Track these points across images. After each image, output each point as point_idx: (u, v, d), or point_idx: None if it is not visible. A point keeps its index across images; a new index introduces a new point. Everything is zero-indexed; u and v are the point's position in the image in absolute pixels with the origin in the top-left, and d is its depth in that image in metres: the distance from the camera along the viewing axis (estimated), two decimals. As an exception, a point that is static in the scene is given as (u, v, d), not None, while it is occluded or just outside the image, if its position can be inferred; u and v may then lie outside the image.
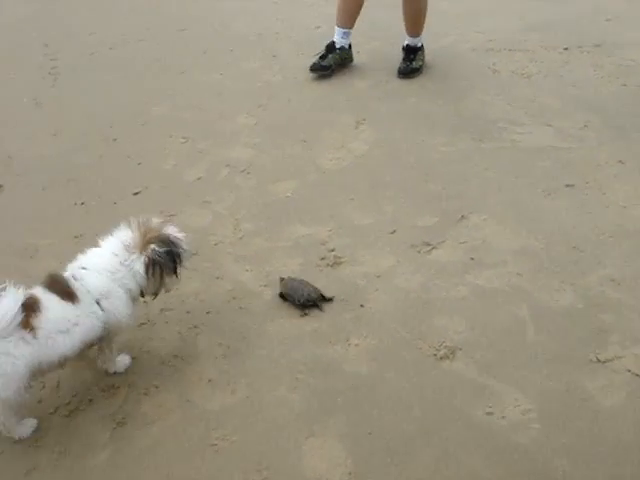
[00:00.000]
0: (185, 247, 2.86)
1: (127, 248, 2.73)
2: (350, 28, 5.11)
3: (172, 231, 2.82)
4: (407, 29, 5.06)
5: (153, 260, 2.73)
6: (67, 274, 2.68)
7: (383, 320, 3.07)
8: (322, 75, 5.18)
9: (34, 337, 2.44)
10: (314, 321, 3.10)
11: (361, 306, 3.14)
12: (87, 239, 3.56)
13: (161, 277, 2.80)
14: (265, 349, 2.97)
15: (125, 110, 5.01)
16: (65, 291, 2.59)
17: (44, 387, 2.89)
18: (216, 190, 3.99)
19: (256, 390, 2.80)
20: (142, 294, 2.83)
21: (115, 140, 4.65)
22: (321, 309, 3.17)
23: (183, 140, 4.54)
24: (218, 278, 3.37)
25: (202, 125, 4.69)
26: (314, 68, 5.15)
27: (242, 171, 4.14)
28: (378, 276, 3.29)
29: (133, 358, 2.98)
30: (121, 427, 2.70)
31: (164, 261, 2.75)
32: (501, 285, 3.21)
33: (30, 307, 2.45)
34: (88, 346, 2.70)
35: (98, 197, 4.05)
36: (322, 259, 3.41)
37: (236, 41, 5.91)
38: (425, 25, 5.09)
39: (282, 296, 3.21)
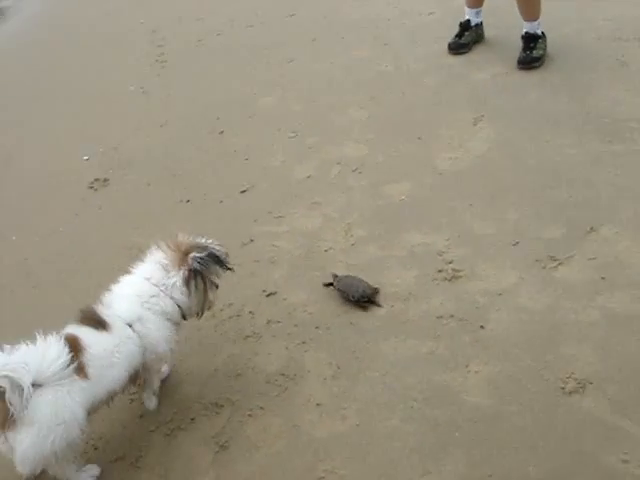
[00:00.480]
0: (224, 250, 2.73)
1: (165, 267, 2.60)
2: (480, 6, 4.90)
3: (204, 240, 2.70)
4: (521, 13, 4.75)
5: (195, 270, 2.59)
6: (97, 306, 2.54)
7: (505, 345, 2.80)
8: (459, 52, 4.99)
9: (85, 377, 2.30)
10: (430, 341, 2.87)
11: (481, 327, 2.88)
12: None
13: (204, 290, 2.65)
14: (377, 371, 2.76)
15: (232, 101, 4.88)
16: (97, 321, 2.45)
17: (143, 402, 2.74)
18: (326, 190, 3.78)
19: (367, 418, 2.60)
20: (184, 316, 2.68)
21: (222, 133, 4.50)
22: (378, 304, 3.08)
23: (292, 135, 4.35)
24: (328, 289, 3.14)
25: (311, 118, 4.49)
26: (453, 47, 4.98)
27: (354, 170, 3.91)
28: (500, 294, 3.02)
29: (238, 374, 2.81)
30: (224, 451, 2.57)
31: (208, 266, 2.63)
32: (637, 310, 2.87)
33: (74, 347, 2.31)
34: (133, 377, 2.55)
35: (204, 195, 3.92)
36: (439, 271, 3.17)
37: (346, 28, 5.66)
38: (543, 9, 4.71)
39: (329, 286, 3.17)
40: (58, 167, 4.53)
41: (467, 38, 4.99)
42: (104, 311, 2.49)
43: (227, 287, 3.11)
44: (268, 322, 3.04)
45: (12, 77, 6.04)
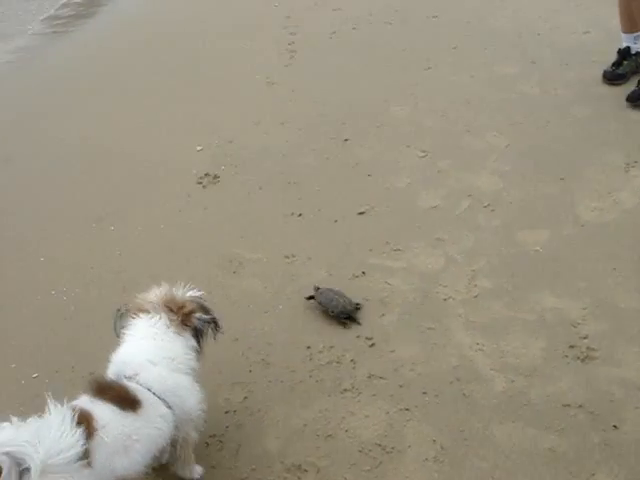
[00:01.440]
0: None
1: (168, 326, 2.26)
2: (639, 30, 4.38)
3: (199, 297, 2.41)
4: (620, 23, 4.47)
5: (198, 329, 2.33)
6: (114, 375, 2.15)
7: (642, 453, 2.35)
8: (615, 84, 4.50)
9: (89, 467, 1.88)
10: (553, 435, 2.50)
11: (614, 427, 2.47)
12: (299, 262, 3.17)
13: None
14: (487, 462, 2.40)
15: (361, 106, 4.55)
16: (121, 397, 2.04)
17: (221, 449, 2.47)
18: (453, 226, 3.41)
19: (471, 521, 2.20)
20: None
21: (346, 141, 4.17)
22: (357, 321, 2.99)
23: (422, 154, 3.98)
24: (442, 346, 2.81)
25: (444, 138, 4.10)
26: (609, 76, 4.52)
27: (485, 206, 3.51)
28: (640, 388, 2.56)
29: (328, 435, 2.48)
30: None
31: (207, 327, 2.36)
32: None
33: (85, 428, 1.89)
34: (158, 459, 2.20)
35: (318, 210, 3.60)
36: (571, 347, 2.76)
37: (490, 38, 5.21)
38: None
39: (311, 299, 3.08)
40: (170, 155, 4.33)
41: (625, 68, 4.51)
42: (129, 385, 2.09)
43: (331, 325, 2.94)
44: (370, 376, 2.70)
45: (132, 60, 5.84)
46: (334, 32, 5.67)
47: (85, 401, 1.99)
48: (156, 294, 2.32)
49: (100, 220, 3.79)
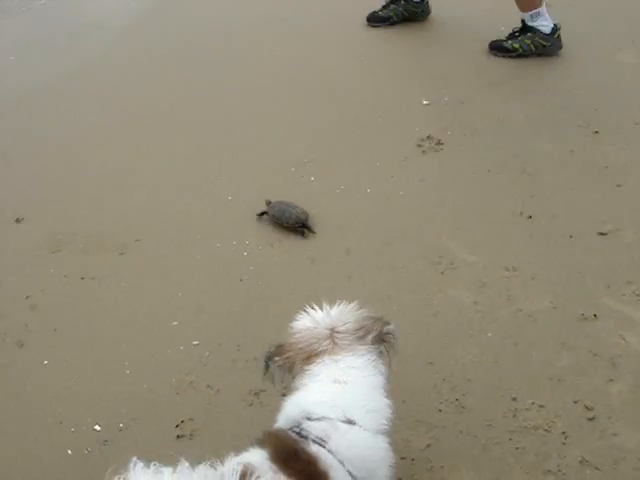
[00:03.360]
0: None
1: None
2: None
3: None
4: None
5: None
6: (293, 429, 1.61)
7: None
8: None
9: None
10: None
11: None
12: (520, 280, 2.74)
13: None
14: None
15: (619, 90, 3.80)
16: (310, 475, 1.49)
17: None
18: None
19: None
20: None
21: (596, 134, 3.49)
22: (311, 231, 3.00)
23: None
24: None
25: None
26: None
27: None
28: None
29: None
30: None
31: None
32: None
33: None
34: None
35: (551, 216, 3.11)
36: None
37: None
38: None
39: (262, 215, 3.08)
40: (393, 101, 3.91)
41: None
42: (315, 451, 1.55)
43: (540, 377, 2.40)
44: (582, 462, 2.18)
45: None
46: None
47: (264, 467, 1.49)
48: (320, 322, 1.78)
49: (298, 165, 3.44)
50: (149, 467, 1.37)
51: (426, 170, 3.35)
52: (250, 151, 3.52)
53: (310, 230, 3.03)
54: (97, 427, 2.33)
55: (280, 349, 1.78)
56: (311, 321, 1.77)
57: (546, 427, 2.29)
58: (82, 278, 2.87)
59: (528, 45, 4.12)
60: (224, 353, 2.53)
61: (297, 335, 1.75)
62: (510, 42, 4.16)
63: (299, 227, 3.00)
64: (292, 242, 2.97)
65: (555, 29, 4.08)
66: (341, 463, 1.55)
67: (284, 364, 1.75)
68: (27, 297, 2.81)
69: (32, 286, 2.85)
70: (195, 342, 2.57)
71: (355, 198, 3.19)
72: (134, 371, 2.49)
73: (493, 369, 2.45)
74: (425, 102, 3.81)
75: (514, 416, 2.31)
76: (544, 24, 4.07)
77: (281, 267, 2.86)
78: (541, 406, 2.34)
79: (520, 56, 4.13)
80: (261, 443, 1.56)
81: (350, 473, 1.56)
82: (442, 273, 2.82)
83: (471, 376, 2.42)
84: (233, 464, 1.43)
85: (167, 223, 3.11)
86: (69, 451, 2.28)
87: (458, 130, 3.58)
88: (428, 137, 3.55)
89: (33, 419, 2.36)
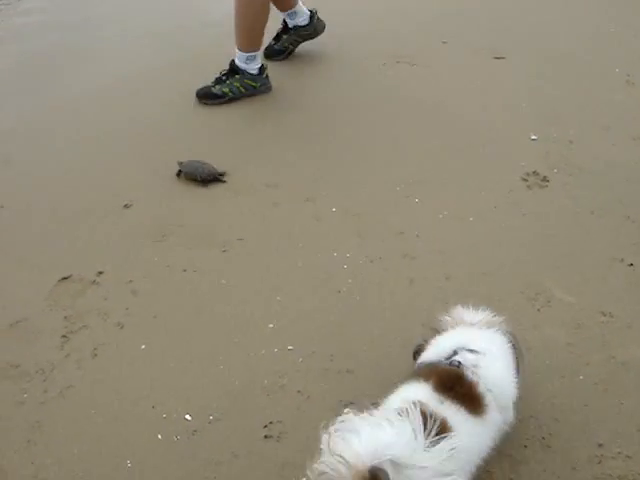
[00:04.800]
0: None
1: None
2: None
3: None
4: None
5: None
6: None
7: None
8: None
9: None
10: None
11: None
12: (616, 326, 2.74)
13: None
14: None
15: None
16: (471, 396, 1.75)
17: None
18: None
19: None
20: None
21: None
22: (222, 180, 3.44)
23: None
24: None
25: None
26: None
27: None
28: None
29: None
30: None
31: None
32: None
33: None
34: None
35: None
36: None
37: None
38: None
39: (182, 174, 3.45)
40: (501, 133, 3.89)
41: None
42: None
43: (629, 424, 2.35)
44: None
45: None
46: None
47: (432, 398, 1.72)
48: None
49: (404, 184, 3.47)
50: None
51: (530, 205, 3.32)
52: (356, 167, 3.54)
53: (221, 180, 3.45)
54: (188, 416, 2.37)
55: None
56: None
57: (631, 479, 2.23)
58: (184, 270, 2.93)
59: (237, 88, 4.02)
60: (317, 361, 2.55)
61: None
62: (219, 87, 4.02)
63: (212, 179, 3.41)
64: (393, 260, 2.98)
65: (262, 69, 4.01)
66: (489, 390, 1.80)
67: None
68: (130, 281, 2.88)
69: (135, 272, 2.93)
70: (290, 347, 2.60)
71: (457, 225, 3.18)
72: (227, 367, 2.53)
73: (582, 412, 2.41)
74: (533, 137, 3.78)
75: (599, 463, 2.27)
76: (253, 67, 4.01)
77: (379, 284, 2.87)
78: (628, 457, 2.30)
79: (231, 100, 4.02)
80: (421, 377, 1.82)
81: (495, 399, 1.79)
82: (538, 310, 2.80)
83: (559, 416, 2.39)
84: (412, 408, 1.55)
85: (271, 226, 3.16)
86: (159, 436, 2.32)
87: (564, 169, 3.55)
88: (534, 172, 3.52)
89: (126, 401, 2.43)
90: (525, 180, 3.47)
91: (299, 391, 2.46)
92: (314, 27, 4.45)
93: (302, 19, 4.41)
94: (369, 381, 2.48)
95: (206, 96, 4.03)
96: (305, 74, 4.51)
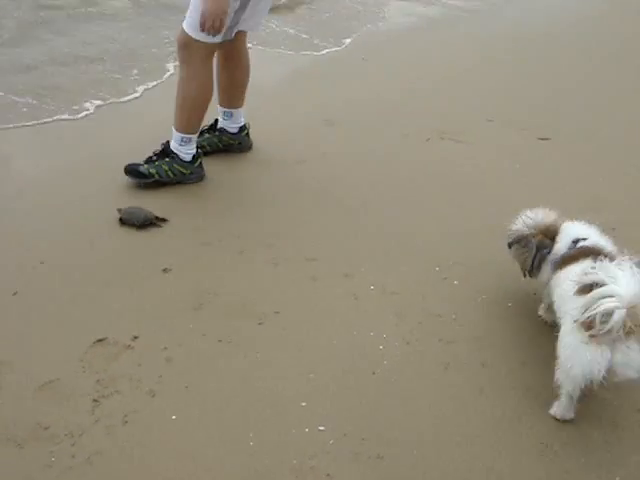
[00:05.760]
0: None
1: None
2: None
3: None
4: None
5: None
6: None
7: None
8: None
9: None
10: None
11: None
12: None
13: None
14: None
15: None
16: None
17: None
18: None
19: None
20: None
21: None
22: (160, 226, 3.59)
23: None
24: None
25: None
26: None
27: None
28: None
29: None
30: None
31: None
32: None
33: None
34: None
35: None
36: None
37: None
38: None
39: (122, 221, 3.58)
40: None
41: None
42: None
43: None
44: None
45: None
46: None
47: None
48: None
49: (443, 266, 3.49)
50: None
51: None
52: (395, 244, 3.56)
53: (161, 220, 3.62)
54: (215, 492, 2.33)
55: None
56: None
57: None
58: (219, 340, 2.93)
59: (165, 171, 3.83)
60: (348, 444, 2.52)
61: None
62: (147, 166, 3.82)
63: (148, 224, 3.54)
64: (429, 344, 2.95)
65: (195, 157, 3.88)
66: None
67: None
68: (164, 348, 2.88)
69: (170, 338, 2.93)
70: (321, 427, 2.57)
71: (496, 310, 3.16)
72: (257, 444, 2.51)
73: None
74: (576, 222, 3.73)
75: None
76: (187, 152, 3.84)
77: (415, 368, 2.84)
78: None
79: (157, 183, 3.84)
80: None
81: None
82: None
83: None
84: None
85: (308, 301, 3.15)
86: (181, 511, 2.29)
87: (607, 258, 3.48)
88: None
89: (152, 468, 2.40)
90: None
91: (328, 474, 2.42)
92: (240, 139, 4.32)
93: (233, 126, 4.25)
94: (399, 468, 2.44)
95: (132, 173, 3.85)
96: (348, 144, 4.55)
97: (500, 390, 2.76)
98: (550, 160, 4.41)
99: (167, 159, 3.82)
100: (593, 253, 2.66)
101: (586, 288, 2.40)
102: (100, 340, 2.93)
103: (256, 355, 2.88)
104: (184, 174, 3.87)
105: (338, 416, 2.63)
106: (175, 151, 3.81)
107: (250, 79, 4.17)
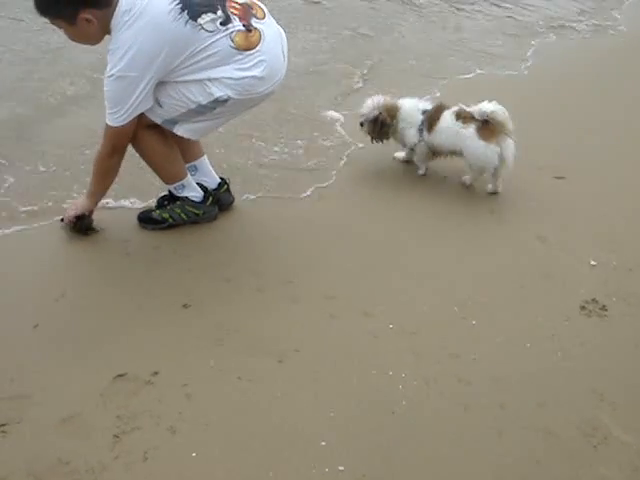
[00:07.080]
0: None
1: None
2: None
3: None
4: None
5: None
6: None
7: None
8: None
9: None
10: None
11: None
12: None
13: None
14: None
15: None
16: None
17: None
18: None
19: None
20: None
21: None
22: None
23: None
24: None
25: None
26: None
27: None
28: None
29: None
30: None
31: None
32: None
33: None
34: None
35: None
36: None
37: None
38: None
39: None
40: (560, 260, 3.87)
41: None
42: None
43: None
44: None
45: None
46: None
47: None
48: None
49: (461, 305, 3.52)
50: None
51: (588, 335, 3.31)
52: (414, 283, 3.58)
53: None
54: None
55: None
56: None
57: None
58: (239, 378, 2.95)
59: (178, 214, 3.83)
60: (367, 485, 2.51)
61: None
62: (159, 212, 3.83)
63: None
64: (448, 384, 2.96)
65: (206, 196, 3.89)
66: None
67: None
68: (184, 385, 2.90)
69: (190, 375, 2.95)
70: (340, 467, 2.59)
71: (514, 351, 3.17)
72: (277, 483, 2.50)
73: None
74: (593, 263, 3.77)
75: None
76: (192, 194, 3.82)
77: (434, 408, 2.85)
78: None
79: (171, 226, 3.82)
80: None
81: None
82: (594, 447, 2.76)
83: None
84: None
85: (328, 340, 3.17)
86: None
87: (623, 297, 3.54)
88: (593, 300, 3.52)
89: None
90: (584, 308, 3.47)
91: (350, 517, 2.41)
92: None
93: (206, 179, 4.04)
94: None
95: (145, 221, 3.85)
96: (371, 186, 4.58)
97: (519, 433, 2.76)
98: (566, 199, 4.42)
99: (178, 202, 3.82)
100: (444, 107, 4.25)
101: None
102: (120, 375, 2.95)
103: (276, 393, 2.89)
104: (197, 215, 3.88)
105: (357, 456, 2.64)
106: (182, 196, 3.80)
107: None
